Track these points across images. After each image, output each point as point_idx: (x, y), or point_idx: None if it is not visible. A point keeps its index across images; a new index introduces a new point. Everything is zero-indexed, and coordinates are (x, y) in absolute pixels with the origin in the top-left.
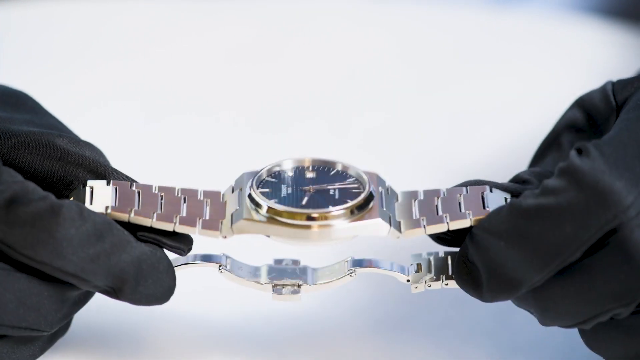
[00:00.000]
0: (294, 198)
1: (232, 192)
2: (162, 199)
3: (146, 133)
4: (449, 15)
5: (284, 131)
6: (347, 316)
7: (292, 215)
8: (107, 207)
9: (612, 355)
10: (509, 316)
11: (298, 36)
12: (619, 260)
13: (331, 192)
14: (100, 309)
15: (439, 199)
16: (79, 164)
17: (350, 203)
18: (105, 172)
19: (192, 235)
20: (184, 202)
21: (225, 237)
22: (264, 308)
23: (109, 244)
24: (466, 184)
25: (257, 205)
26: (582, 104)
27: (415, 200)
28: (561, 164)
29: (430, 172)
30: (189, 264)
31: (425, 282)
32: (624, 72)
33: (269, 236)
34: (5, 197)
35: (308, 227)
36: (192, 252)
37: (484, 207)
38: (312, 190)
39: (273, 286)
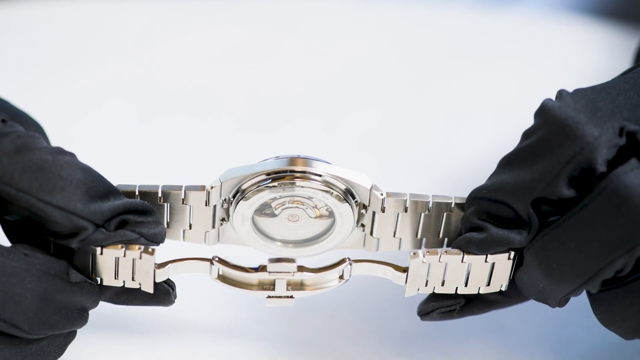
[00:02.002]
0: None
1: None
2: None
3: (139, 133)
4: (442, 16)
5: (276, 131)
6: (340, 316)
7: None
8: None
9: (629, 326)
10: (502, 318)
11: (291, 36)
12: (615, 205)
13: None
14: (95, 309)
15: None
16: None
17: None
18: None
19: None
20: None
21: (213, 187)
22: (257, 309)
23: (109, 189)
24: None
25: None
26: None
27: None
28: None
29: (425, 172)
30: (181, 259)
31: (423, 249)
32: (615, 72)
33: (245, 195)
34: (17, 143)
35: (294, 158)
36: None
37: None
38: None
39: (267, 291)
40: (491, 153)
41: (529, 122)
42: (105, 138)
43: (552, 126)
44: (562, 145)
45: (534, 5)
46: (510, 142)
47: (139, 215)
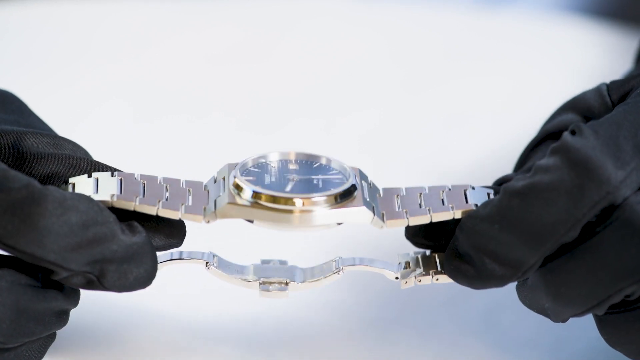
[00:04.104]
0: (278, 185)
1: (215, 182)
2: (144, 186)
3: (138, 133)
4: (440, 16)
5: (276, 131)
6: (335, 316)
7: (275, 199)
8: (112, 195)
9: (637, 349)
10: (498, 317)
11: (290, 36)
12: (628, 235)
13: (315, 181)
14: (85, 308)
15: (422, 195)
16: (59, 160)
17: (334, 191)
18: (89, 166)
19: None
20: (167, 190)
21: (209, 221)
22: (251, 308)
23: (92, 234)
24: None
25: (241, 190)
26: (575, 106)
27: (397, 196)
28: (554, 144)
29: (425, 172)
30: (175, 260)
31: (415, 277)
32: (613, 72)
33: (251, 221)
34: None
35: (290, 211)
36: (178, 249)
37: (466, 202)
38: (295, 179)
39: (260, 283)
40: (490, 153)
41: (528, 122)
42: (105, 138)
43: (576, 167)
44: (587, 188)
45: (533, 5)
46: (509, 142)
47: (126, 264)
